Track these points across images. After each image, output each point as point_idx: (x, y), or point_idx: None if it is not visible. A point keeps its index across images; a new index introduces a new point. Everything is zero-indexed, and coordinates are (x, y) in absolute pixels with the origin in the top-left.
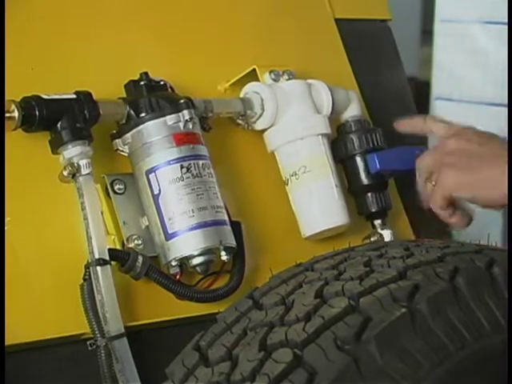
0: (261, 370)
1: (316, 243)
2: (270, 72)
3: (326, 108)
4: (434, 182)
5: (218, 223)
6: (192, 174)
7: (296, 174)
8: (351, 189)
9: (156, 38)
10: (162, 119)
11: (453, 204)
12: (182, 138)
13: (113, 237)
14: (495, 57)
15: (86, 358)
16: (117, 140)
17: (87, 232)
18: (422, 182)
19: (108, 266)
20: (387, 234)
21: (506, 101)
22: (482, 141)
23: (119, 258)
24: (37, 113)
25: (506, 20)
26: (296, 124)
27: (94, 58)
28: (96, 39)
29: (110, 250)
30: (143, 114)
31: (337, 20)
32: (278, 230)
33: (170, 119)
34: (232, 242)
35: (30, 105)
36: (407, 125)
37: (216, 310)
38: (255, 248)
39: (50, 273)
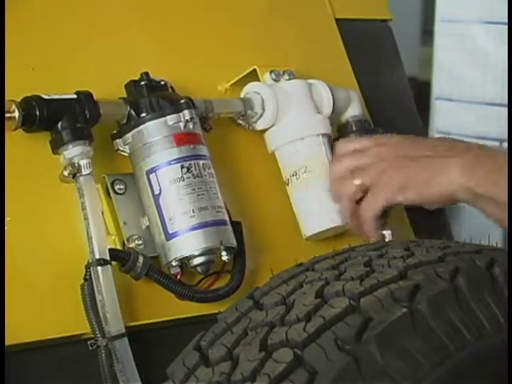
0: (261, 369)
1: (316, 243)
2: (271, 72)
3: (327, 108)
4: (358, 182)
5: (218, 223)
6: (192, 174)
7: (296, 174)
8: None
9: (156, 38)
10: (162, 119)
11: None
12: (183, 138)
13: (113, 237)
14: (495, 57)
15: (86, 358)
16: (117, 140)
17: (88, 232)
18: (337, 183)
19: (109, 266)
20: (388, 234)
21: (506, 101)
22: (411, 144)
23: (120, 258)
24: (37, 113)
25: (506, 20)
26: (297, 124)
27: (94, 58)
28: (96, 39)
29: (110, 250)
30: (144, 114)
31: (337, 20)
32: (279, 230)
33: (171, 119)
34: (233, 242)
35: (30, 105)
36: None
37: (216, 310)
38: (256, 248)
39: (50, 273)
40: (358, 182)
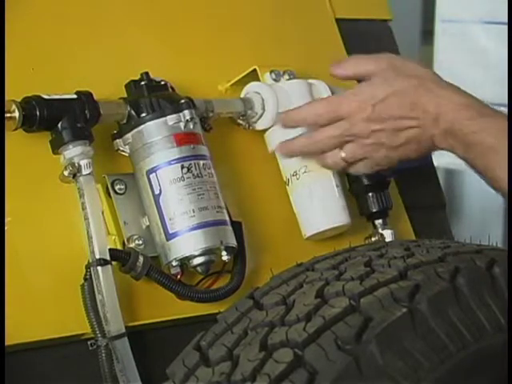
0: (261, 369)
1: (317, 243)
2: (271, 72)
3: None
4: (343, 154)
5: (218, 223)
6: (193, 174)
7: (297, 174)
8: (352, 189)
9: (157, 38)
10: (162, 119)
11: None
12: (183, 138)
13: (113, 237)
14: (495, 57)
15: (86, 357)
16: (117, 140)
17: (88, 232)
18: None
19: (109, 266)
20: (388, 234)
21: (506, 101)
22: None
23: (120, 258)
24: (37, 113)
25: (506, 20)
26: None
27: (94, 58)
28: (97, 39)
29: (110, 250)
30: (144, 114)
31: (337, 20)
32: (279, 230)
33: (171, 119)
34: (233, 242)
35: (30, 105)
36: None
37: (217, 310)
38: (256, 248)
39: (51, 273)
40: (343, 155)
